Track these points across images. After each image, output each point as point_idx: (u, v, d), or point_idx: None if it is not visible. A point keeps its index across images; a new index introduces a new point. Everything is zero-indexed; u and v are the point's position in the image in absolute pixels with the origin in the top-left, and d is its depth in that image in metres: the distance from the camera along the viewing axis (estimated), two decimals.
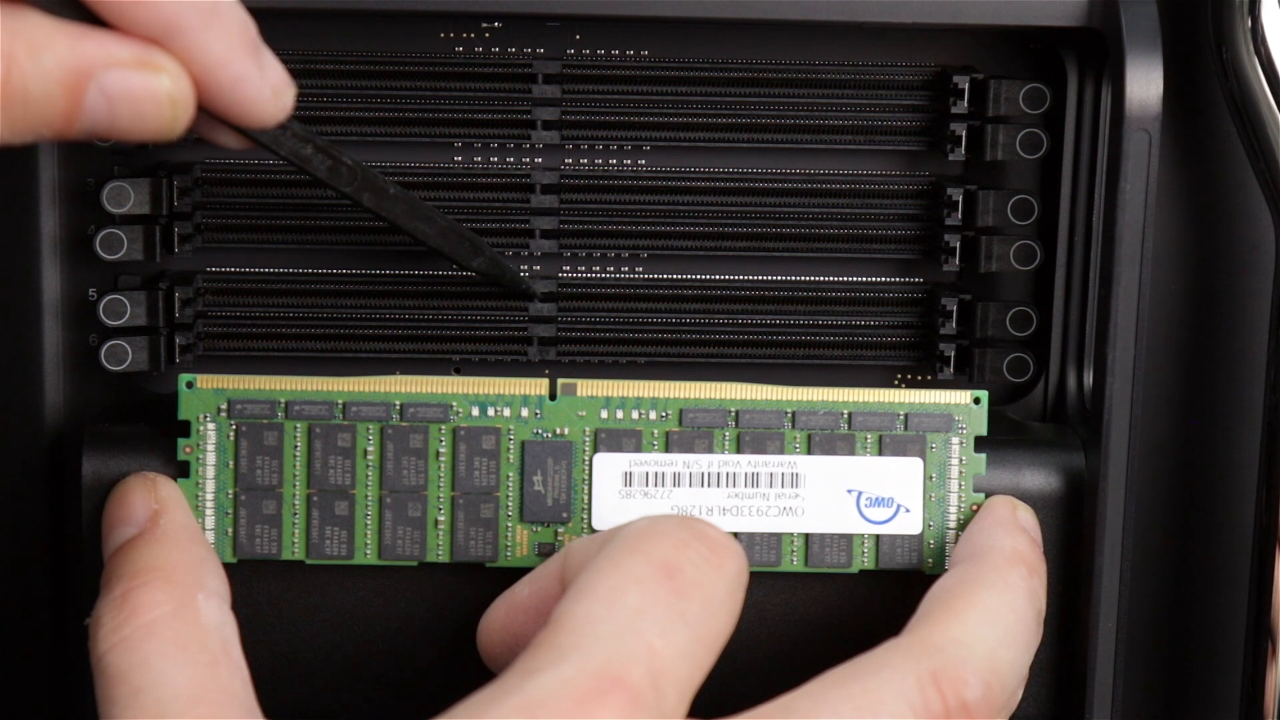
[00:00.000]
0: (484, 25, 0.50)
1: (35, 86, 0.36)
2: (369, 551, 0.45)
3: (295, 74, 0.49)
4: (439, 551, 0.45)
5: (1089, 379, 0.50)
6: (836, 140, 0.51)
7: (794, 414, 0.46)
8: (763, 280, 0.52)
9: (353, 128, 0.50)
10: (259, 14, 0.49)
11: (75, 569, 0.48)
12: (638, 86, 0.50)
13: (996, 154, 0.49)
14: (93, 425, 0.47)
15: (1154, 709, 0.51)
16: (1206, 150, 0.49)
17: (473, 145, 0.51)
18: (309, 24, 0.50)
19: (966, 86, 0.49)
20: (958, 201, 0.50)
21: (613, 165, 0.51)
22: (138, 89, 0.38)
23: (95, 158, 0.49)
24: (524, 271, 0.51)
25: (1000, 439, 0.48)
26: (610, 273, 0.51)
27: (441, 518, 0.45)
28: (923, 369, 0.52)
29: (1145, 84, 0.46)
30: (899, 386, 0.52)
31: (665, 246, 0.51)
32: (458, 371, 0.52)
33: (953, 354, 0.51)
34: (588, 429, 0.46)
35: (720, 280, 0.52)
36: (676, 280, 0.52)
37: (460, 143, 0.51)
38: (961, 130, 0.50)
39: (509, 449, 0.46)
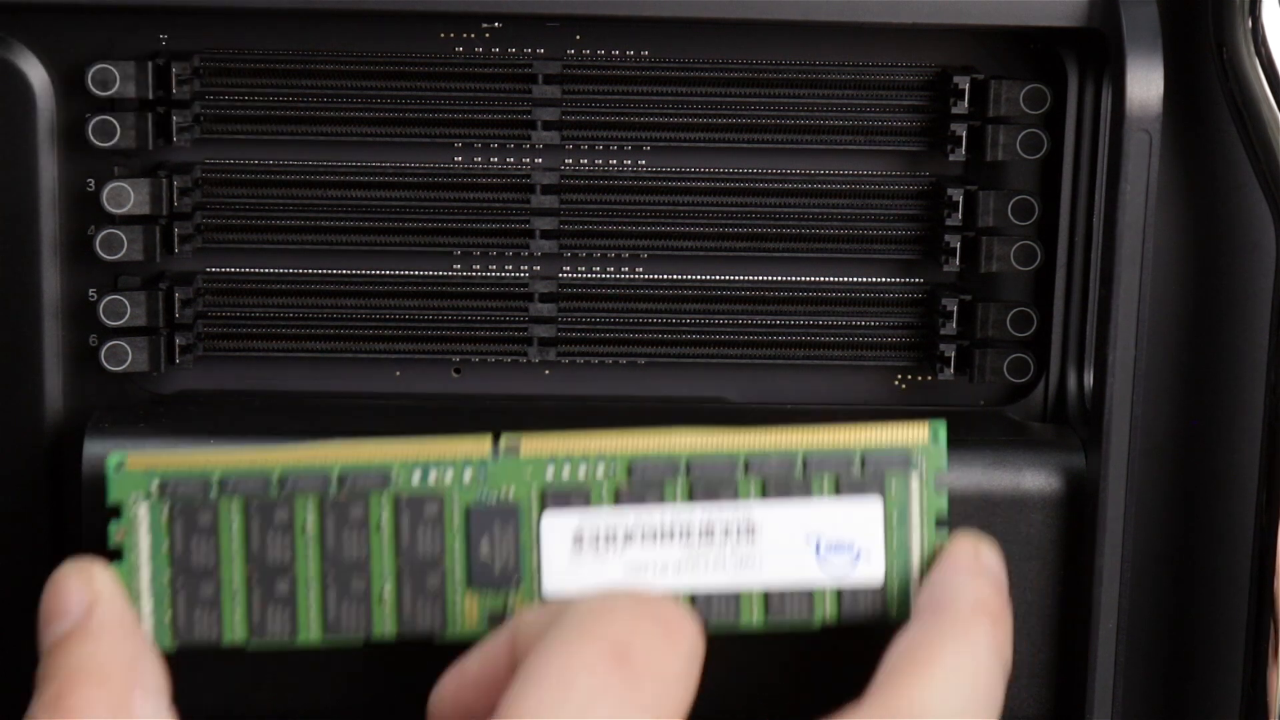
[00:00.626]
0: (484, 25, 0.50)
1: None
2: (313, 630, 0.43)
3: (295, 74, 0.50)
4: (386, 625, 0.43)
5: (1089, 379, 0.50)
6: (837, 140, 0.51)
7: (747, 461, 0.43)
8: (763, 280, 0.52)
9: (353, 128, 0.50)
10: (259, 14, 0.49)
11: None
12: (638, 86, 0.50)
13: (997, 154, 0.49)
14: (93, 426, 0.47)
15: (1154, 709, 0.51)
16: (1206, 150, 0.49)
17: (473, 145, 0.51)
18: (309, 24, 0.50)
19: (967, 87, 0.49)
20: (958, 202, 0.50)
21: (613, 165, 0.51)
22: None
23: (95, 158, 0.49)
24: (524, 272, 0.51)
25: (1000, 439, 0.48)
26: (610, 273, 0.51)
27: (387, 590, 0.43)
28: (923, 370, 0.52)
29: (1145, 84, 0.46)
30: (900, 387, 0.52)
31: (665, 246, 0.51)
32: (458, 373, 0.52)
33: (953, 354, 0.51)
34: (534, 488, 0.43)
35: (720, 280, 0.52)
36: (676, 280, 0.52)
37: (460, 143, 0.51)
38: (962, 130, 0.50)
39: (453, 515, 0.43)
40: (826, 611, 0.43)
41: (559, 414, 0.50)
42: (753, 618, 0.43)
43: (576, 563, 0.43)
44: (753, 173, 0.51)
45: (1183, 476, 0.51)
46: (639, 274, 0.51)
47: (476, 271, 0.51)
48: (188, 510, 0.43)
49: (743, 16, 0.47)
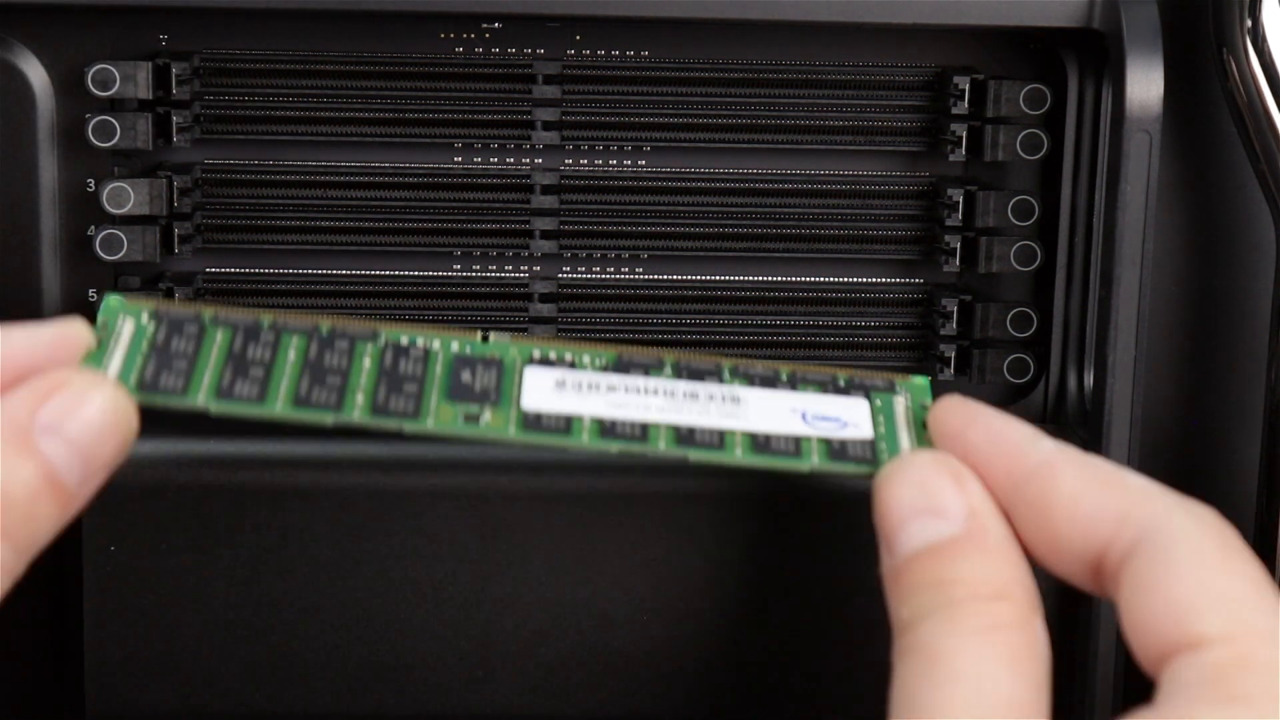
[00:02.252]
0: (484, 26, 0.50)
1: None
2: (281, 401, 0.41)
3: (295, 74, 0.50)
4: (357, 409, 0.41)
5: (1089, 380, 0.50)
6: (836, 141, 0.51)
7: (733, 368, 0.43)
8: (763, 281, 0.52)
9: (353, 128, 0.50)
10: (259, 14, 0.49)
11: (75, 569, 0.48)
12: (638, 87, 0.50)
13: (997, 155, 0.49)
14: None
15: None
16: (1206, 150, 0.49)
17: (473, 145, 0.51)
18: (309, 24, 0.50)
19: (966, 87, 0.49)
20: (958, 202, 0.50)
21: (613, 166, 0.51)
22: (78, 426, 0.38)
23: (95, 158, 0.49)
24: (524, 272, 0.51)
25: None
26: (610, 273, 0.51)
27: (363, 383, 0.42)
28: (923, 370, 0.52)
29: (1145, 84, 0.46)
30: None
31: (665, 247, 0.51)
32: None
33: (953, 355, 0.51)
34: (520, 357, 0.43)
35: (720, 280, 0.52)
36: (676, 280, 0.52)
37: (460, 143, 0.51)
38: (962, 131, 0.50)
39: (436, 360, 0.43)
40: (815, 458, 0.42)
41: None
42: (738, 453, 0.41)
43: (558, 396, 0.42)
44: (753, 173, 0.51)
45: (1183, 477, 0.50)
46: (639, 274, 0.51)
47: (476, 271, 0.51)
48: (174, 322, 0.42)
49: (742, 16, 0.47)
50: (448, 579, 0.47)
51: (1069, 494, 0.38)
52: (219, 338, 0.42)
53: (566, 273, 0.51)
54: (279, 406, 0.41)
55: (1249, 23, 0.47)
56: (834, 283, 0.52)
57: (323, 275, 0.51)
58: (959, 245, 0.50)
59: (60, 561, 0.48)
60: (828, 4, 0.47)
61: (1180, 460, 0.50)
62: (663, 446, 0.41)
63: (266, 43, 0.50)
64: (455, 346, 0.43)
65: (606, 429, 0.41)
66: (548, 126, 0.50)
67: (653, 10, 0.47)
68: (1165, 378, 0.50)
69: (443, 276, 0.51)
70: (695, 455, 0.41)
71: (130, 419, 0.39)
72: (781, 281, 0.52)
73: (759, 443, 0.42)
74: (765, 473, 0.42)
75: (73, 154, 0.48)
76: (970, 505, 0.39)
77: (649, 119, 0.50)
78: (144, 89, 0.48)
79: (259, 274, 0.51)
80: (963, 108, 0.50)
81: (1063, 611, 0.48)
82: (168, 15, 0.49)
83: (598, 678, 0.47)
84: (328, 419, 0.41)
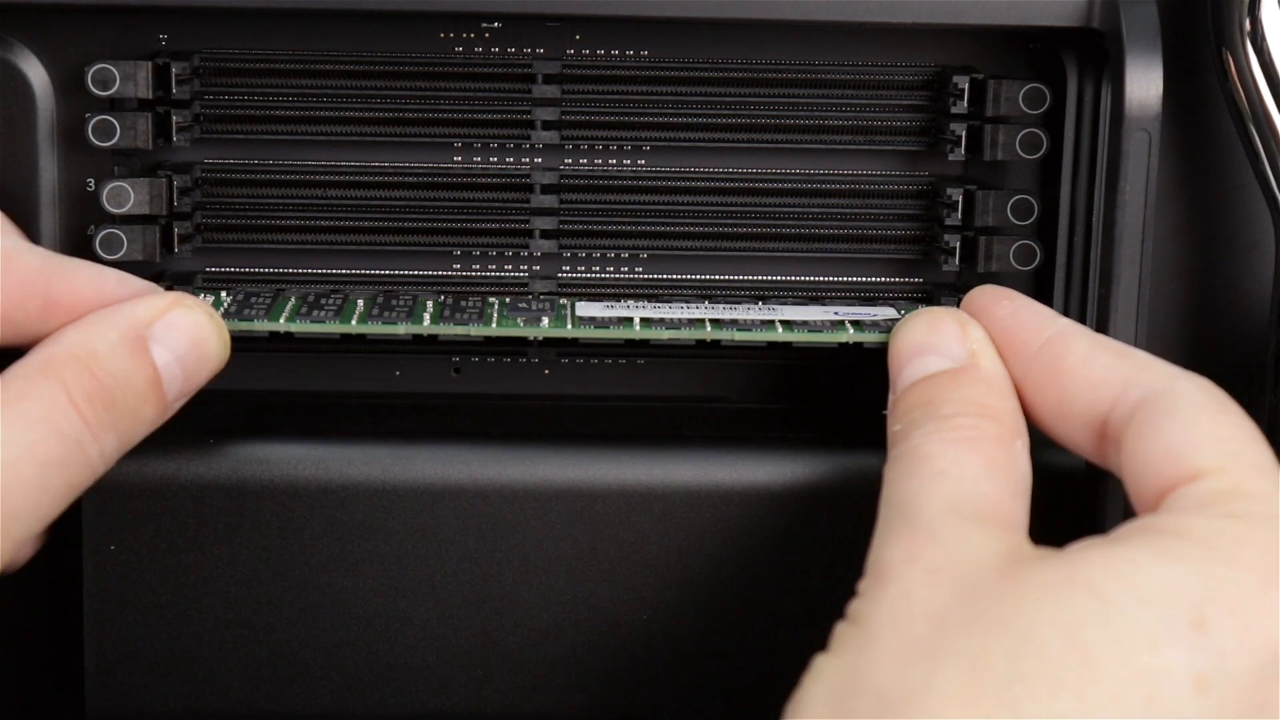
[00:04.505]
0: (484, 25, 0.50)
1: (115, 374, 0.41)
2: (356, 319, 0.47)
3: (295, 74, 0.50)
4: (427, 314, 0.47)
5: None
6: (836, 140, 0.51)
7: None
8: (763, 280, 0.52)
9: (353, 128, 0.50)
10: (259, 14, 0.49)
11: (75, 569, 0.48)
12: (638, 86, 0.50)
13: (996, 154, 0.49)
14: None
15: None
16: (1206, 150, 0.49)
17: (472, 145, 0.51)
18: (309, 24, 0.50)
19: (966, 87, 0.49)
20: (957, 202, 0.50)
21: (613, 165, 0.51)
22: (190, 331, 0.43)
23: (95, 158, 0.49)
24: (524, 271, 0.51)
25: None
26: (610, 273, 0.51)
27: (429, 314, 0.47)
28: None
29: (1145, 84, 0.46)
30: None
31: (665, 246, 0.51)
32: (457, 372, 0.52)
33: None
34: (568, 302, 0.49)
35: (720, 280, 0.52)
36: (676, 280, 0.52)
37: (460, 143, 0.51)
38: (961, 130, 0.50)
39: (492, 306, 0.48)
40: (850, 330, 0.47)
41: (558, 413, 0.50)
42: (778, 329, 0.47)
43: (608, 310, 0.48)
44: (753, 173, 0.51)
45: None
46: (638, 274, 0.51)
47: (476, 271, 0.51)
48: (249, 294, 0.48)
49: (743, 16, 0.47)
50: (448, 579, 0.47)
51: (1079, 358, 0.42)
52: (291, 300, 0.48)
53: (566, 272, 0.51)
54: (354, 322, 0.47)
55: (1249, 23, 0.47)
56: (834, 282, 0.52)
57: (323, 275, 0.51)
58: (958, 245, 0.50)
59: (60, 561, 0.48)
60: (828, 4, 0.47)
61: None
62: (709, 329, 0.47)
63: (266, 43, 0.50)
64: (507, 298, 0.49)
65: (655, 323, 0.47)
66: (547, 126, 0.50)
67: (653, 10, 0.47)
68: None
69: (443, 276, 0.51)
70: (740, 335, 0.47)
71: (225, 347, 0.44)
72: (781, 281, 0.52)
73: (796, 325, 0.47)
74: (802, 350, 0.48)
75: (73, 154, 0.48)
76: (969, 346, 0.43)
77: (649, 119, 0.50)
78: (144, 89, 0.48)
79: (259, 274, 0.51)
80: (962, 107, 0.50)
81: None
82: (168, 15, 0.49)
83: (598, 678, 0.47)
84: (400, 329, 0.47)
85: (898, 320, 0.46)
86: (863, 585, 0.38)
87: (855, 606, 0.38)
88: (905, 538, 0.38)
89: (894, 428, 0.42)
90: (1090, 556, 0.36)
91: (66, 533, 0.48)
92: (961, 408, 0.42)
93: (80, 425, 0.40)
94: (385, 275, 0.51)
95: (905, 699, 0.34)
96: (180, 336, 0.42)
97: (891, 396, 0.44)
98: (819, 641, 0.37)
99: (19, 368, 0.41)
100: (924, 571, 0.37)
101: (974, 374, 0.43)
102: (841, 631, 0.37)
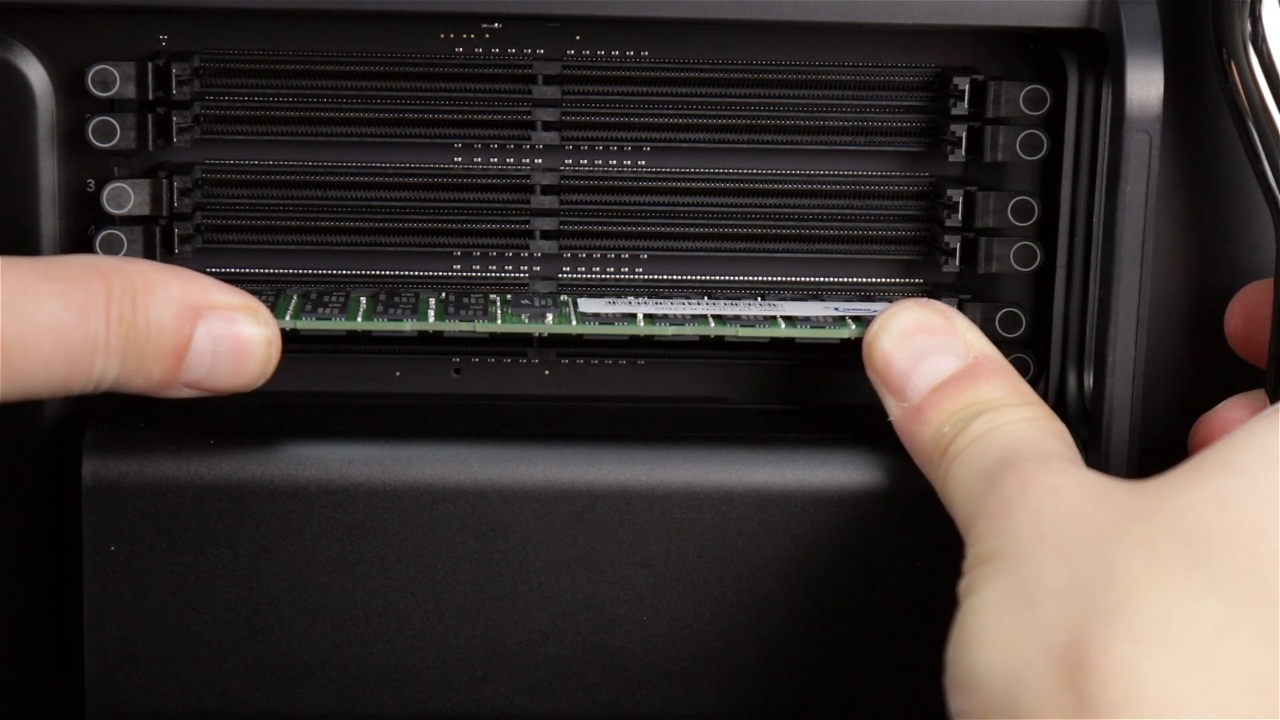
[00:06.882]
0: (484, 26, 0.50)
1: (154, 317, 0.41)
2: (360, 316, 0.47)
3: (295, 74, 0.50)
4: (430, 311, 0.48)
5: (1089, 379, 0.50)
6: (836, 141, 0.51)
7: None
8: (763, 281, 0.52)
9: (353, 128, 0.50)
10: (259, 14, 0.49)
11: (75, 569, 0.48)
12: (638, 87, 0.50)
13: (996, 155, 0.49)
14: (93, 426, 0.47)
15: None
16: (1206, 150, 0.49)
17: (472, 146, 0.51)
18: (309, 24, 0.50)
19: (966, 87, 0.49)
20: (957, 203, 0.50)
21: (613, 166, 0.51)
22: (243, 334, 0.43)
23: (95, 158, 0.49)
24: (524, 272, 0.51)
25: None
26: (610, 273, 0.51)
27: (432, 311, 0.48)
28: None
29: (1145, 85, 0.46)
30: None
31: (665, 247, 0.51)
32: (458, 373, 0.52)
33: None
34: (570, 299, 0.50)
35: (720, 281, 0.52)
36: (676, 281, 0.52)
37: (460, 143, 0.51)
38: (961, 131, 0.50)
39: (494, 302, 0.49)
40: (852, 326, 0.48)
41: (559, 413, 0.50)
42: (780, 325, 0.48)
43: (611, 306, 0.49)
44: (753, 173, 0.51)
45: None
46: (639, 274, 0.52)
47: (476, 272, 0.51)
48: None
49: (743, 17, 0.47)
50: (448, 579, 0.47)
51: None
52: (294, 299, 0.48)
53: (566, 273, 0.51)
54: (360, 320, 0.47)
55: (1249, 23, 0.46)
56: (834, 283, 0.52)
57: (323, 276, 0.51)
58: (959, 246, 0.50)
59: (60, 561, 0.48)
60: (828, 4, 0.47)
61: (1180, 460, 0.50)
62: (712, 325, 0.47)
63: (266, 43, 0.50)
64: (509, 295, 0.50)
65: (659, 319, 0.48)
66: (548, 127, 0.50)
67: (653, 10, 0.47)
68: (1165, 378, 0.50)
69: (443, 276, 0.51)
70: (743, 331, 0.48)
71: (259, 376, 0.44)
72: (781, 281, 0.52)
73: (799, 321, 0.48)
74: (805, 346, 0.49)
75: (73, 154, 0.48)
76: (964, 339, 0.45)
77: (649, 119, 0.50)
78: (144, 89, 0.48)
79: (260, 275, 0.51)
80: (963, 108, 0.50)
81: None
82: (168, 15, 0.49)
83: (598, 678, 0.47)
84: (406, 325, 0.47)
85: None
86: (975, 534, 0.39)
87: (979, 550, 0.38)
88: (1012, 475, 0.39)
89: (941, 430, 0.43)
90: (1208, 454, 0.37)
91: (66, 533, 0.48)
92: (1004, 400, 0.43)
93: (104, 335, 0.41)
94: (385, 276, 0.51)
95: (1088, 590, 0.35)
96: (231, 338, 0.43)
97: (899, 406, 0.45)
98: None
99: (85, 256, 0.42)
100: (1045, 491, 0.38)
101: (989, 366, 0.45)
102: (977, 575, 0.38)
